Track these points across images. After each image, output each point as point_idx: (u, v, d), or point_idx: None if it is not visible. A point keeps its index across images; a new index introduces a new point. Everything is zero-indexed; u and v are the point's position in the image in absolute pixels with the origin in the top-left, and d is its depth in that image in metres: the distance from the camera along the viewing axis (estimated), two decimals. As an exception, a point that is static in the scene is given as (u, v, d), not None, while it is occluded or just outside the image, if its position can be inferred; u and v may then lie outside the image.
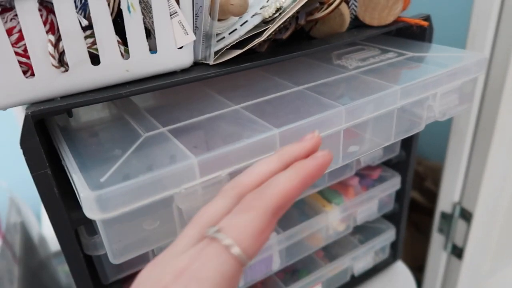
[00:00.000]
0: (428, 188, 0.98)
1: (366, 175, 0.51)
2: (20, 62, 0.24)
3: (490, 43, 0.53)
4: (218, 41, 0.31)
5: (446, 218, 0.68)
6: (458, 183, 0.65)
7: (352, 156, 0.35)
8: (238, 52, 0.31)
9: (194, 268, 0.19)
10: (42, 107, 0.25)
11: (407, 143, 0.49)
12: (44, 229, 0.67)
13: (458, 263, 0.68)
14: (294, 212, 0.47)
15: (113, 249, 0.26)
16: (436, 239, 0.71)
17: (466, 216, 0.64)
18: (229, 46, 0.31)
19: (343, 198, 0.47)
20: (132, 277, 0.38)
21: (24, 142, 0.25)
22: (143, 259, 0.34)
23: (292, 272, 0.50)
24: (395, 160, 0.50)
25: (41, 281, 0.54)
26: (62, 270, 0.68)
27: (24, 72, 0.25)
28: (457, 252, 0.68)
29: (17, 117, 0.58)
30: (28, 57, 0.24)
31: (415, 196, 0.96)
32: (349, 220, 0.49)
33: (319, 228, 0.45)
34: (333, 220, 0.47)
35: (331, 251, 0.52)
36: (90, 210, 0.23)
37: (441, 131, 0.66)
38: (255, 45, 0.31)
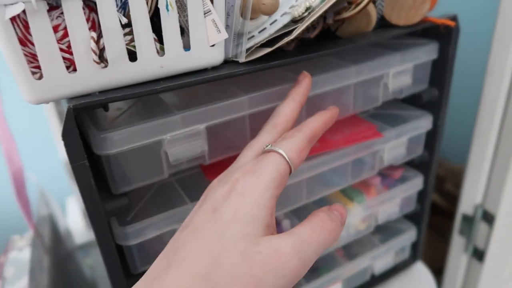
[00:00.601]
0: (448, 190, 0.97)
1: (388, 175, 0.51)
2: (63, 58, 0.25)
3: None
4: (248, 39, 0.32)
5: (468, 220, 0.67)
6: (480, 185, 0.64)
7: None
8: (267, 50, 0.32)
9: (257, 167, 0.26)
10: (83, 101, 0.26)
11: (430, 144, 0.49)
12: (69, 222, 0.69)
13: (479, 266, 0.68)
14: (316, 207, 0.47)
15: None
16: (457, 241, 0.71)
17: (488, 218, 0.64)
18: (258, 45, 0.32)
19: (365, 197, 0.48)
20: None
21: (66, 135, 0.26)
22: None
23: (313, 270, 0.50)
24: (418, 161, 0.50)
25: (68, 272, 0.55)
26: (86, 264, 0.70)
27: (67, 68, 0.26)
28: (478, 254, 0.67)
29: (46, 112, 0.60)
30: (71, 53, 0.25)
31: (434, 199, 0.95)
32: (371, 219, 0.49)
33: None
34: (354, 219, 0.47)
35: (351, 250, 0.52)
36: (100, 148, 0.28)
37: (462, 133, 0.66)
38: (283, 44, 0.32)
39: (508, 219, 0.64)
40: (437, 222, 0.94)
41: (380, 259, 0.52)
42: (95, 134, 0.29)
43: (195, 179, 0.38)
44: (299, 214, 0.45)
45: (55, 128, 0.61)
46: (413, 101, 0.48)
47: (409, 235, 0.54)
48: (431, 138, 0.49)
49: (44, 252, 0.46)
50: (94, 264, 0.67)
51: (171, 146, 0.31)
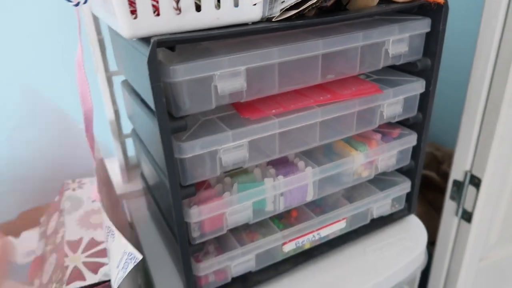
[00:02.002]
0: (444, 170, 1.06)
1: (387, 133, 0.61)
2: (152, 5, 0.35)
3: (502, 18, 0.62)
4: (281, 2, 0.42)
5: (458, 185, 0.76)
6: (469, 154, 0.73)
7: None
8: (294, 11, 0.42)
9: None
10: (163, 37, 0.36)
11: (424, 106, 0.58)
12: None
13: (468, 226, 0.77)
14: (325, 155, 0.57)
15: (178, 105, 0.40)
16: (449, 206, 0.80)
17: (476, 182, 0.73)
18: (288, 7, 0.42)
19: (367, 147, 0.57)
20: (201, 184, 0.49)
21: (150, 61, 0.36)
22: (212, 171, 0.45)
23: (321, 211, 0.60)
24: (413, 121, 0.60)
25: (118, 215, 0.65)
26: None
27: (153, 12, 0.36)
28: (467, 216, 0.76)
29: (99, 79, 0.70)
30: (157, 1, 0.35)
31: (432, 176, 1.04)
32: (371, 168, 0.59)
33: (346, 168, 0.55)
34: (358, 165, 0.57)
35: (353, 195, 0.62)
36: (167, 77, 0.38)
37: (458, 120, 0.75)
38: (307, 8, 0.42)
39: (492, 182, 0.73)
40: (434, 198, 1.03)
41: (379, 203, 0.61)
42: (165, 66, 0.39)
43: (232, 117, 0.48)
44: (311, 156, 0.55)
45: (105, 93, 0.71)
46: (409, 69, 0.58)
47: (404, 186, 0.63)
48: (424, 101, 0.58)
49: (102, 184, 0.56)
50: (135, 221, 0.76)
51: (219, 81, 0.41)
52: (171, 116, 0.41)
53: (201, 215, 0.47)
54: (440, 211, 0.82)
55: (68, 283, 0.48)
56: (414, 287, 0.68)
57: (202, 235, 0.49)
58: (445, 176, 1.09)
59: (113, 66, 0.70)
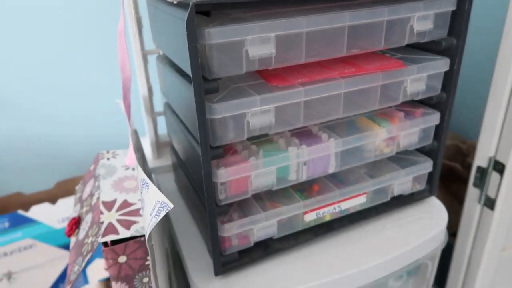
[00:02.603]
0: (469, 163, 1.05)
1: (410, 112, 0.62)
2: (191, -31, 0.39)
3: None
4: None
5: (481, 172, 0.77)
6: (494, 139, 0.73)
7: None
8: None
9: None
10: (201, 0, 0.39)
11: (448, 86, 0.59)
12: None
13: (490, 214, 0.77)
14: (347, 129, 0.58)
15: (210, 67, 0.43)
16: (472, 193, 0.80)
17: (499, 168, 0.73)
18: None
19: (390, 124, 0.59)
20: (228, 150, 0.52)
21: (189, 23, 0.39)
22: (239, 134, 0.48)
23: (342, 188, 0.62)
24: (436, 100, 0.61)
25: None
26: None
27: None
28: (490, 203, 0.76)
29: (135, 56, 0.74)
30: (196, -34, 0.38)
31: (456, 167, 1.04)
32: (393, 145, 0.60)
33: (368, 142, 0.57)
34: (380, 141, 0.58)
35: (375, 174, 0.63)
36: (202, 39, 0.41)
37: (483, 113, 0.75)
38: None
39: (516, 168, 0.73)
40: (457, 189, 1.03)
41: (399, 180, 0.62)
42: (201, 28, 0.42)
43: (260, 85, 0.51)
44: (334, 129, 0.57)
45: (140, 70, 0.75)
46: (433, 48, 0.59)
47: (426, 166, 0.64)
48: (448, 80, 0.59)
49: (136, 149, 0.60)
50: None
51: (250, 46, 0.44)
52: (204, 78, 0.45)
53: (228, 176, 0.49)
54: (463, 202, 0.83)
55: (103, 236, 0.51)
56: (435, 265, 0.69)
57: (228, 197, 0.51)
58: (469, 168, 1.08)
59: (148, 45, 0.74)
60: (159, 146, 0.84)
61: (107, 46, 0.86)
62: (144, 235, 0.48)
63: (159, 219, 0.41)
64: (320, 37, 0.48)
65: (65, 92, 0.86)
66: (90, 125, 0.88)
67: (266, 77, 0.51)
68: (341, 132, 0.57)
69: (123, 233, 0.52)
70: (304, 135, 0.57)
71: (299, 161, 0.53)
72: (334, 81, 0.51)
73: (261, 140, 0.56)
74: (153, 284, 0.45)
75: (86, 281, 0.74)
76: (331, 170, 0.57)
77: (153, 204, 0.42)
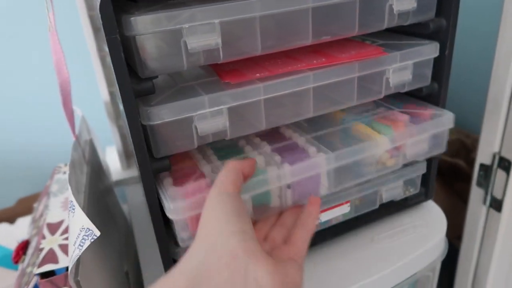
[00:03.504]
0: (473, 158, 0.96)
1: (416, 115, 0.52)
2: None
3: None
4: None
5: (485, 169, 0.68)
6: (498, 133, 0.65)
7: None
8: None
9: None
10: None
11: (439, 73, 0.51)
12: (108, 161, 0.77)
13: (498, 216, 0.68)
14: (341, 140, 0.49)
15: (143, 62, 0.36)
16: (475, 194, 0.72)
17: (505, 165, 0.64)
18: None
19: (393, 130, 0.49)
20: (176, 156, 0.44)
21: (103, 10, 0.32)
22: (187, 142, 0.41)
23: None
24: (426, 92, 0.53)
25: (107, 203, 0.61)
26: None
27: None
28: (496, 204, 0.68)
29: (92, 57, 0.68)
30: None
31: (460, 164, 0.95)
32: (399, 156, 0.50)
33: (368, 154, 0.47)
34: (382, 152, 0.49)
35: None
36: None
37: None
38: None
39: (525, 165, 0.64)
40: (462, 188, 0.94)
41: (387, 186, 0.54)
42: (124, 17, 0.34)
43: (212, 83, 0.43)
44: (324, 141, 0.48)
45: (98, 73, 0.69)
46: (421, 32, 0.51)
47: (419, 167, 0.56)
48: (439, 68, 0.51)
49: (84, 161, 0.53)
50: (130, 208, 0.73)
51: (189, 36, 0.36)
52: (136, 77, 0.37)
53: (189, 210, 0.40)
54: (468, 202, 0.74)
55: (40, 266, 0.44)
56: (434, 279, 0.61)
57: (193, 235, 0.43)
58: (474, 163, 0.99)
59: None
60: (128, 155, 0.77)
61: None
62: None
63: (83, 250, 0.34)
64: (278, 22, 0.40)
65: (16, 98, 0.79)
66: (53, 134, 0.81)
67: (221, 73, 0.44)
68: (334, 144, 0.47)
69: (64, 262, 0.45)
70: (288, 149, 0.47)
71: (281, 184, 0.43)
72: (301, 75, 0.43)
73: (232, 156, 0.47)
74: (84, 326, 0.38)
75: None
76: (324, 191, 0.47)
77: (77, 232, 0.35)
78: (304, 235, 0.38)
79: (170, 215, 0.40)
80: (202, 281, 0.28)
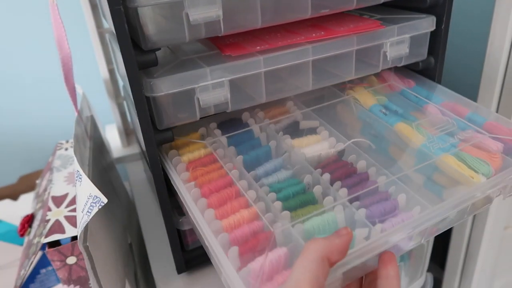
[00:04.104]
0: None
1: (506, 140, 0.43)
2: None
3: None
4: None
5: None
6: (492, 110, 0.66)
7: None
8: None
9: None
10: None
11: (435, 48, 0.52)
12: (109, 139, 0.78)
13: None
14: (426, 184, 0.40)
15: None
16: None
17: (498, 139, 0.66)
18: None
19: (491, 167, 0.39)
20: (180, 127, 0.45)
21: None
22: (190, 113, 0.41)
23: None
24: (423, 66, 0.54)
25: (110, 179, 0.62)
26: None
27: None
28: (489, 178, 0.69)
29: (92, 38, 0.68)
30: None
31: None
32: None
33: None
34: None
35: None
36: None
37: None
38: None
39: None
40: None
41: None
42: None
43: (214, 56, 0.44)
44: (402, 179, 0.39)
45: (97, 50, 0.69)
46: (417, 6, 0.51)
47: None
48: (436, 42, 0.52)
49: (86, 136, 0.54)
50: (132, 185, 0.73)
51: (191, 8, 0.37)
52: (140, 50, 0.38)
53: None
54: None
55: (47, 236, 0.45)
56: (429, 247, 0.63)
57: None
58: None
59: (106, 23, 0.67)
60: (129, 133, 0.77)
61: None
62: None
63: (91, 216, 0.35)
64: (280, -4, 0.41)
65: (15, 76, 0.79)
66: (52, 113, 0.82)
67: (221, 47, 0.44)
68: (421, 190, 0.37)
69: (70, 232, 0.47)
70: (368, 195, 0.37)
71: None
72: (300, 48, 0.44)
73: (302, 209, 0.36)
74: (93, 289, 0.40)
75: (58, 280, 0.69)
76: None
77: (85, 199, 0.36)
78: None
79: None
80: None
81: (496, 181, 0.37)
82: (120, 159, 0.74)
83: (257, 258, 0.30)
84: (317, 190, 0.38)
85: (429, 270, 0.72)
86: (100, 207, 0.35)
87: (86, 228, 0.38)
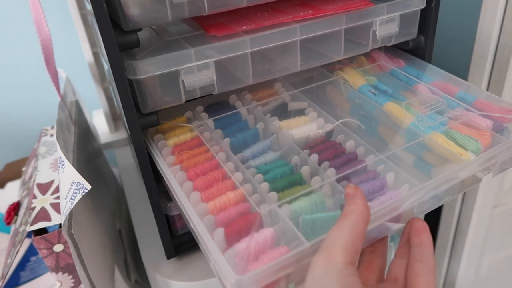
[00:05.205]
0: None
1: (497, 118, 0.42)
2: None
3: None
4: None
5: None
6: (482, 88, 0.66)
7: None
8: None
9: None
10: None
11: (426, 26, 0.51)
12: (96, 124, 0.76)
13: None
14: (416, 164, 0.39)
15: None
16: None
17: (488, 119, 0.66)
18: None
19: (480, 145, 0.38)
20: (166, 111, 0.44)
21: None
22: (175, 96, 0.40)
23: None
24: (413, 45, 0.53)
25: (97, 165, 0.61)
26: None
27: None
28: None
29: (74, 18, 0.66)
30: None
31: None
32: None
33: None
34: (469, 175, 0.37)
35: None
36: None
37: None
38: None
39: None
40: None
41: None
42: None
43: (199, 37, 0.42)
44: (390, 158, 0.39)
45: (80, 32, 0.67)
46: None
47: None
48: (426, 20, 0.51)
49: (71, 121, 0.53)
50: (121, 170, 0.73)
51: (173, -15, 0.35)
52: (120, 30, 0.36)
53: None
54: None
55: (32, 224, 0.45)
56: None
57: None
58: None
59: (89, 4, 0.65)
60: (116, 118, 0.76)
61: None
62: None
63: (74, 203, 0.35)
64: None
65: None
66: (36, 99, 0.80)
67: (207, 27, 0.43)
68: (410, 169, 0.38)
69: (56, 219, 0.46)
70: (356, 173, 0.37)
71: None
72: (287, 27, 0.43)
73: (290, 189, 0.35)
74: (80, 277, 0.39)
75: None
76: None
77: (68, 186, 0.36)
78: (428, 275, 0.28)
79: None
80: None
81: (485, 157, 0.37)
82: (108, 145, 0.73)
83: (244, 239, 0.29)
84: (304, 170, 0.37)
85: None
86: (83, 193, 0.34)
87: (70, 216, 0.37)
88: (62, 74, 0.61)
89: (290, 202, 0.33)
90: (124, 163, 0.70)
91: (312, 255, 0.27)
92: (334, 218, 0.29)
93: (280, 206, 0.32)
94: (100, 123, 0.76)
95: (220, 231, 0.30)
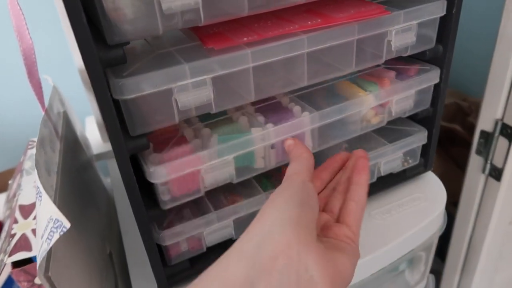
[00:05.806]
0: (471, 123, 0.93)
1: (402, 71, 0.50)
2: None
3: None
4: None
5: (486, 137, 0.65)
6: (501, 98, 0.61)
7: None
8: None
9: None
10: None
11: (445, 34, 0.47)
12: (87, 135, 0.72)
13: (497, 185, 0.66)
14: (326, 99, 0.46)
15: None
16: (474, 162, 0.69)
17: (508, 132, 0.61)
18: None
19: (378, 86, 0.47)
20: (154, 132, 0.40)
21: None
22: (167, 117, 0.36)
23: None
24: (430, 55, 0.48)
25: (86, 182, 0.57)
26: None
27: None
28: (496, 173, 0.65)
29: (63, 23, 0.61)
30: None
31: (456, 129, 0.92)
32: (384, 113, 0.48)
33: (353, 112, 0.45)
34: (367, 109, 0.46)
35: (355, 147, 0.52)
36: None
37: (487, 67, 0.62)
38: None
39: (528, 132, 0.61)
40: (458, 154, 0.92)
41: (387, 158, 0.51)
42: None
43: (194, 49, 0.38)
44: (309, 100, 0.45)
45: (70, 38, 0.62)
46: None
47: (419, 137, 0.52)
48: (445, 28, 0.46)
49: (56, 137, 0.48)
50: (113, 181, 0.69)
51: (164, -6, 0.31)
52: (104, 44, 0.32)
53: (169, 174, 0.38)
54: (465, 168, 0.72)
55: (11, 254, 0.40)
56: (431, 254, 0.59)
57: (174, 198, 0.40)
58: (471, 129, 0.96)
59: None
60: (109, 126, 0.71)
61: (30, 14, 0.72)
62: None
63: (51, 244, 0.30)
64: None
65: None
66: (26, 106, 0.76)
67: (203, 38, 0.38)
68: (318, 103, 0.45)
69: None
70: (271, 109, 0.45)
71: (265, 144, 0.42)
72: (294, 38, 0.38)
73: (216, 120, 0.44)
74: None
75: None
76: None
77: (45, 223, 0.31)
78: (356, 213, 0.34)
79: (155, 179, 0.37)
80: (261, 268, 0.27)
81: (381, 95, 0.46)
82: (100, 156, 0.68)
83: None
84: (230, 109, 0.44)
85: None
86: (62, 232, 0.30)
87: (48, 255, 0.33)
88: (49, 81, 0.57)
89: (213, 129, 0.42)
90: (117, 173, 0.66)
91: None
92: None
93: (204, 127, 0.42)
94: (93, 131, 0.72)
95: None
